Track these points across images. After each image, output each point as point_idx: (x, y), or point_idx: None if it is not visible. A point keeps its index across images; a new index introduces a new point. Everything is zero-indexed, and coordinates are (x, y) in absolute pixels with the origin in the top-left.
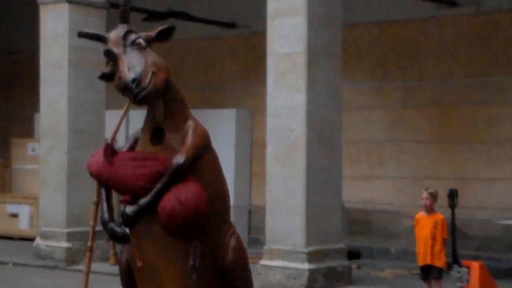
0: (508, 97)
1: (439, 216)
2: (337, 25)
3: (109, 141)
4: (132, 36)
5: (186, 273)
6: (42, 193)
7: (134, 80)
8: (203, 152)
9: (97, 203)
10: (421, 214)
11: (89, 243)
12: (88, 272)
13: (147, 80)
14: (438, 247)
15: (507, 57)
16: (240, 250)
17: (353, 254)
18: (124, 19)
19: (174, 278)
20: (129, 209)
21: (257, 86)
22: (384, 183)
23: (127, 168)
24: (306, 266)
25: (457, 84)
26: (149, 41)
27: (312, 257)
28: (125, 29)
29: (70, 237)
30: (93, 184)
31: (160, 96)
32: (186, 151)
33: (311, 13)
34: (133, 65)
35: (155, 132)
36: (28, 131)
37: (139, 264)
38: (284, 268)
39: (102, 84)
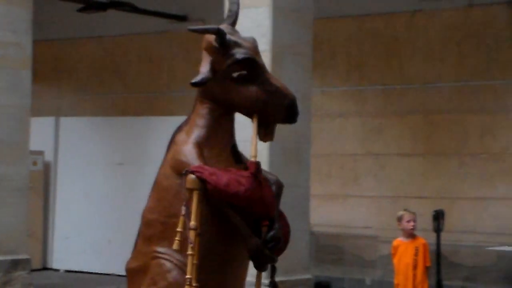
0: (503, 104)
1: (421, 241)
2: (307, 19)
3: (257, 159)
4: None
5: None
6: None
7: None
8: None
9: (197, 228)
10: (399, 240)
11: (189, 275)
12: None
13: None
14: (420, 277)
15: (504, 57)
16: None
17: (322, 286)
18: (235, 22)
19: None
20: (279, 234)
21: None
22: (359, 203)
23: (269, 189)
24: None
25: (446, 88)
26: None
27: None
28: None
29: None
30: (17, 205)
31: None
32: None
33: (277, 4)
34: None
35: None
36: None
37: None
38: None
39: (27, 86)
